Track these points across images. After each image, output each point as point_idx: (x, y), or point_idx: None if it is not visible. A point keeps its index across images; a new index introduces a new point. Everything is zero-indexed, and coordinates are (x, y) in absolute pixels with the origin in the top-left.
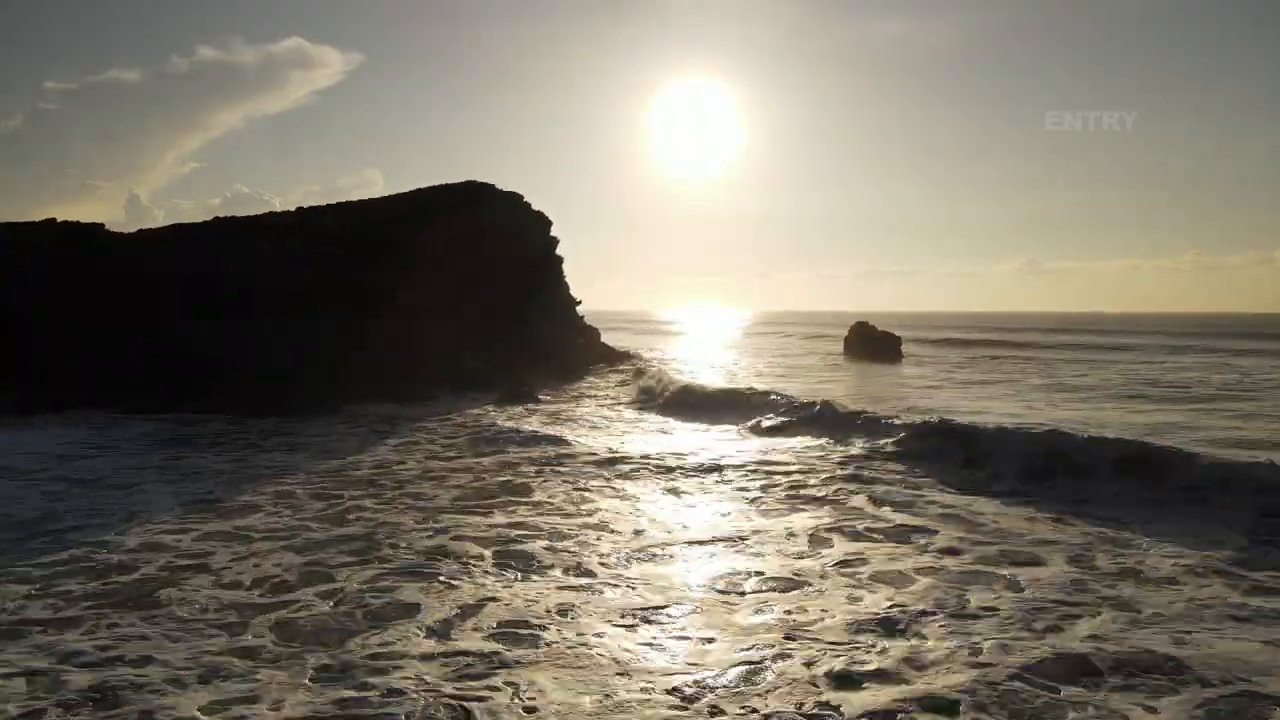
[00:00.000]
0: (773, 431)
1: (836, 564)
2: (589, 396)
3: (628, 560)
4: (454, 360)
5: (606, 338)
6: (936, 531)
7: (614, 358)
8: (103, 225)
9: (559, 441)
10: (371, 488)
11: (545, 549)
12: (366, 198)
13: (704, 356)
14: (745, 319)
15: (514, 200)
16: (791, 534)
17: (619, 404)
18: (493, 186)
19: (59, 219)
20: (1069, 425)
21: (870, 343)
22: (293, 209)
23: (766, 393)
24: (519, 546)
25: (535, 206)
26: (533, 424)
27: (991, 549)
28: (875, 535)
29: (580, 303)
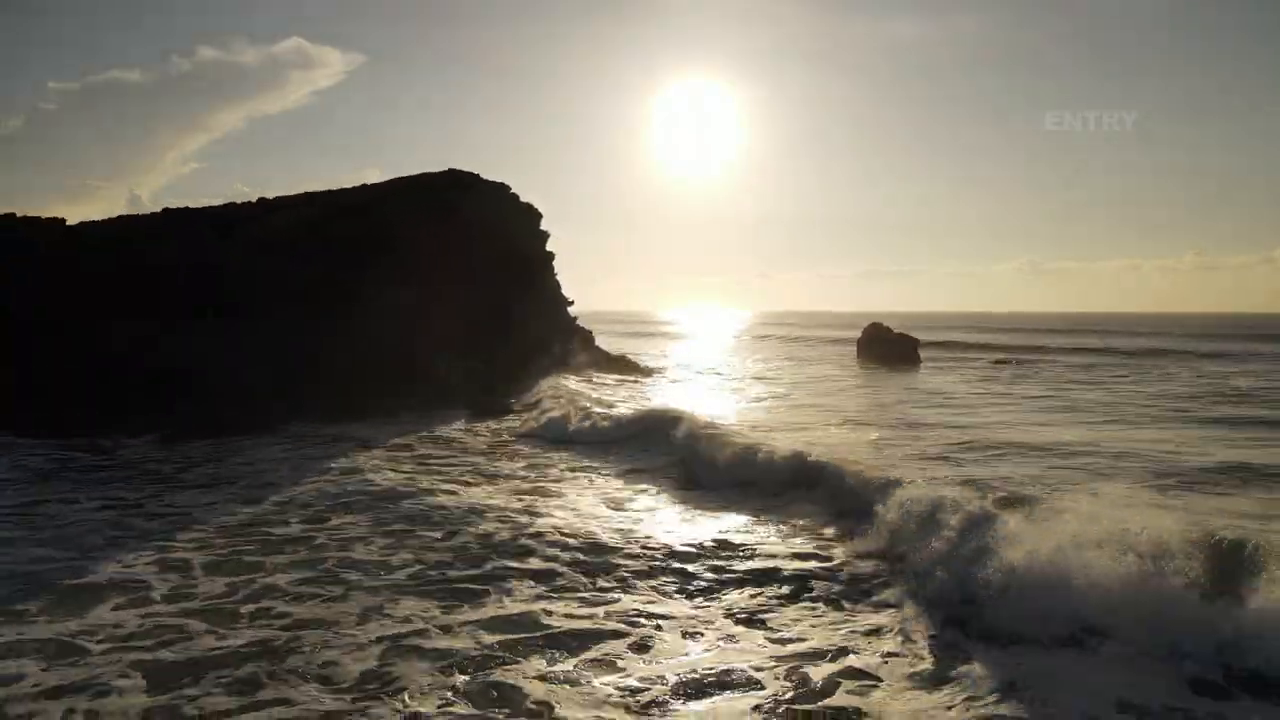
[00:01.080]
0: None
1: None
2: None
3: (681, 711)
4: (427, 367)
5: (604, 340)
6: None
7: (608, 363)
8: (39, 218)
9: (525, 510)
10: (300, 550)
11: (545, 685)
12: (334, 188)
13: (708, 363)
14: (746, 319)
15: (501, 191)
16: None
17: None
18: (477, 176)
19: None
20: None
21: (885, 345)
22: (254, 199)
23: (804, 461)
24: (505, 677)
25: (537, 207)
26: (486, 483)
27: None
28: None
29: (572, 303)
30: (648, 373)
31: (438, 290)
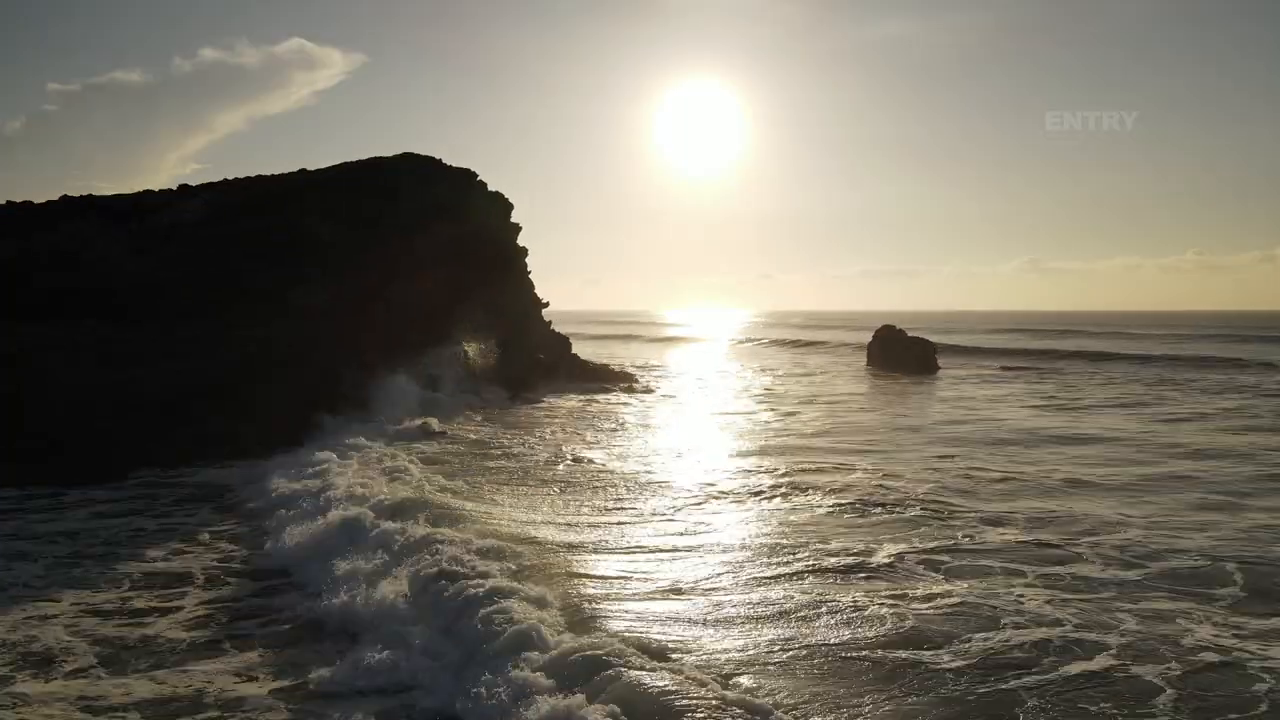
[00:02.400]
0: None
1: None
2: (529, 459)
3: None
4: (360, 382)
5: (600, 345)
6: None
7: (586, 374)
8: None
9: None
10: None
11: None
12: (263, 174)
13: (704, 372)
14: (750, 320)
15: (465, 178)
16: None
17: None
18: (437, 160)
19: None
20: None
21: (899, 350)
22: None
23: None
24: None
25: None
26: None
27: None
28: None
29: (548, 304)
30: (631, 386)
31: (381, 289)
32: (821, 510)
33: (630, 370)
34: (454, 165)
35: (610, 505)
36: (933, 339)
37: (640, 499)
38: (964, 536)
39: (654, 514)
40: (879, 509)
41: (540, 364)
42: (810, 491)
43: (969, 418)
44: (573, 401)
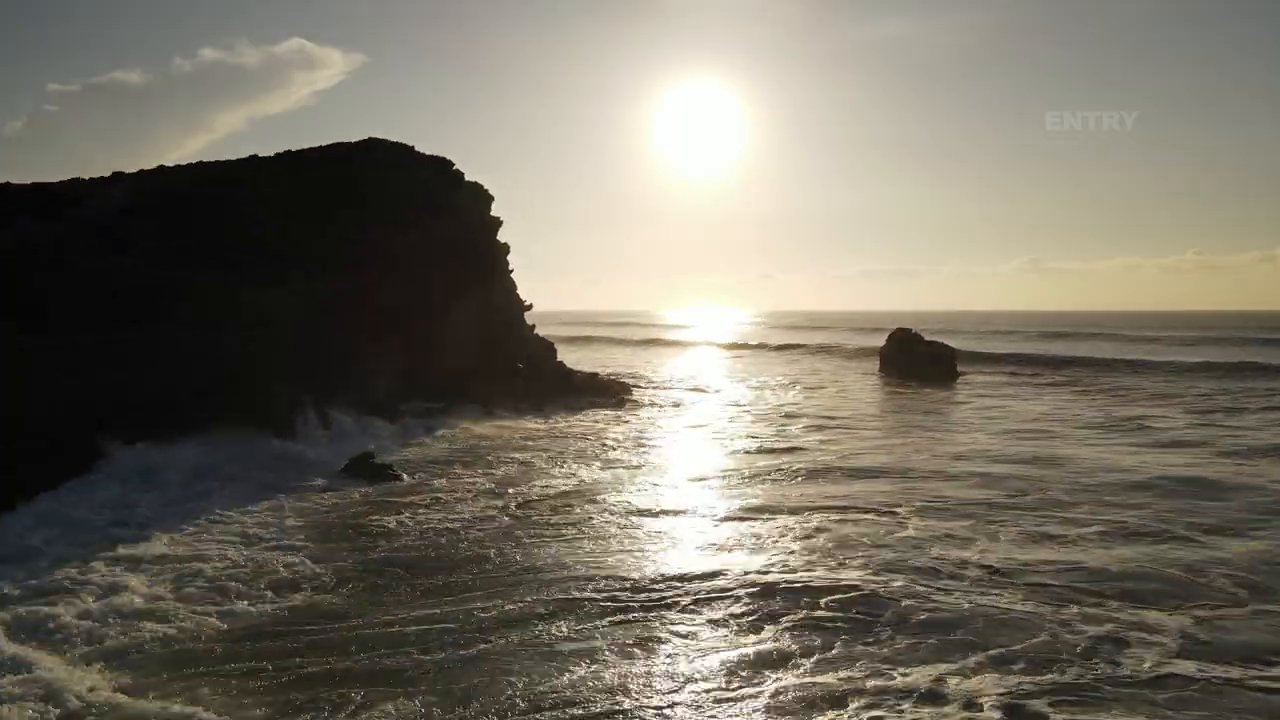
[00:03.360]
0: None
1: None
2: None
3: None
4: (303, 404)
5: (599, 348)
6: None
7: (573, 386)
8: None
9: None
10: None
11: None
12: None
13: (710, 384)
14: (752, 321)
15: (441, 166)
16: None
17: None
18: (409, 148)
19: None
20: None
21: (914, 356)
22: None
23: None
24: None
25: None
26: None
27: None
28: None
29: (530, 306)
30: (623, 399)
31: (337, 291)
32: (868, 599)
33: (624, 380)
34: (427, 153)
35: (543, 600)
36: (938, 339)
37: (591, 587)
38: (1101, 665)
39: (606, 619)
40: (953, 600)
41: (521, 375)
42: (848, 568)
43: (1022, 443)
44: (554, 421)
